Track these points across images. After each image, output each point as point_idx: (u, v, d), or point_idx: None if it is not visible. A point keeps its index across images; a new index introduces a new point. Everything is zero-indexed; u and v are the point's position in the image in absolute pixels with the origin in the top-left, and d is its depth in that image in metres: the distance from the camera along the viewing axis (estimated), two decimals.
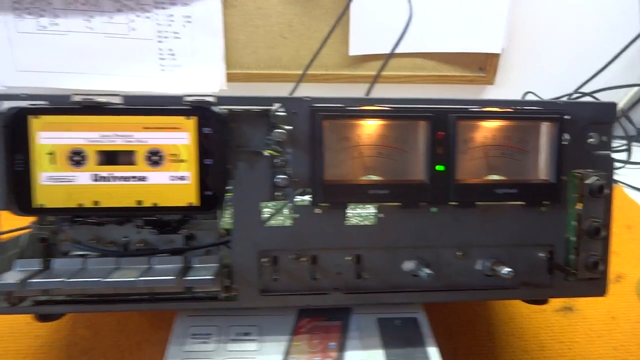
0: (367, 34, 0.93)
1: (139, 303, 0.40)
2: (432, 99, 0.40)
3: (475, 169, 0.42)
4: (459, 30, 0.94)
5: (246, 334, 0.41)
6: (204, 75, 0.92)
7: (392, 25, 0.93)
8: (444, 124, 0.39)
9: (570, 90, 0.99)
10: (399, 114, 0.39)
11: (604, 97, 0.96)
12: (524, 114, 0.41)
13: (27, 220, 0.44)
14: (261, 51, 0.94)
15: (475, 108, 0.40)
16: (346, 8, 0.62)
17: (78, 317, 0.53)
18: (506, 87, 1.03)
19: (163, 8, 0.86)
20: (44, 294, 0.39)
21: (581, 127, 0.42)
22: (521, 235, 0.42)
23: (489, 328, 0.55)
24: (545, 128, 0.42)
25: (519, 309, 0.58)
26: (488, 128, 0.41)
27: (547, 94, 0.96)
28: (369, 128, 0.40)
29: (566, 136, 0.41)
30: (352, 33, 0.91)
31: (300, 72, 0.96)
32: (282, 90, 0.95)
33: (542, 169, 0.42)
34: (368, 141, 0.40)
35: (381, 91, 0.62)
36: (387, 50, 0.96)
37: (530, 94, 0.96)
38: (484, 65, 1.00)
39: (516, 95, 0.99)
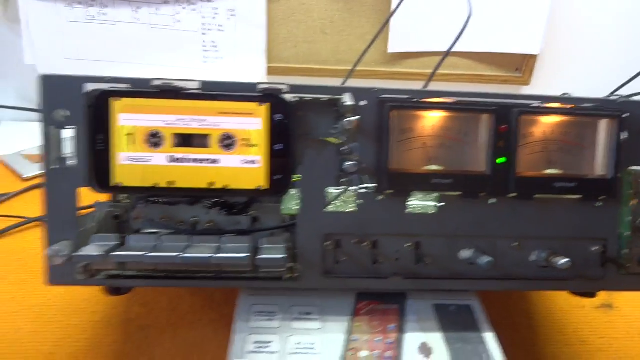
0: (406, 32, 0.94)
1: (206, 280, 0.42)
2: (496, 93, 0.41)
3: (534, 162, 0.43)
4: (497, 30, 0.95)
5: (307, 313, 0.42)
6: (245, 68, 0.94)
7: (431, 23, 0.94)
8: (506, 118, 0.41)
9: (606, 93, 0.99)
10: (464, 107, 0.41)
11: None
12: (584, 111, 0.42)
13: (97, 199, 0.47)
14: (301, 46, 0.95)
15: (536, 103, 0.42)
16: (396, 8, 0.64)
17: (132, 295, 0.55)
18: (542, 88, 1.03)
19: (209, 1, 0.88)
20: (119, 268, 0.41)
21: (639, 125, 0.43)
22: (576, 229, 0.43)
23: (529, 322, 0.56)
24: (603, 125, 0.43)
25: (559, 305, 0.59)
26: (547, 123, 0.43)
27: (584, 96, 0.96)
28: (433, 119, 0.42)
29: (624, 133, 0.42)
30: (391, 31, 0.92)
31: (337, 67, 0.98)
32: (320, 84, 0.97)
33: (599, 164, 0.43)
34: (431, 132, 0.42)
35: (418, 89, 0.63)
36: (424, 49, 0.97)
37: (567, 96, 0.96)
38: (520, 65, 1.01)
39: None
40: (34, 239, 0.67)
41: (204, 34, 0.91)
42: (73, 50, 0.91)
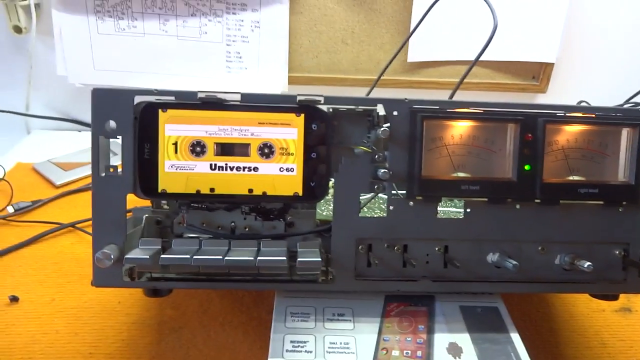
0: (426, 42, 0.96)
1: (244, 282, 0.44)
2: (522, 103, 0.43)
3: (558, 169, 0.44)
4: (514, 39, 0.96)
5: (340, 315, 0.44)
6: (267, 78, 0.96)
7: (450, 33, 0.96)
8: (532, 127, 0.43)
9: (621, 100, 1.00)
10: (492, 117, 0.43)
11: None
12: (607, 120, 0.44)
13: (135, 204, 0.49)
14: (322, 56, 0.98)
15: (561, 113, 0.43)
16: (420, 21, 0.66)
17: (165, 298, 0.57)
18: (558, 96, 1.05)
19: (234, 13, 0.91)
20: (163, 270, 0.44)
21: None
22: (599, 233, 0.45)
23: (551, 325, 0.58)
24: (625, 133, 0.44)
25: (579, 308, 0.60)
26: (571, 132, 0.44)
27: (599, 104, 0.97)
28: (461, 128, 0.44)
29: None
30: (411, 40, 0.94)
31: (357, 77, 1.00)
32: (340, 94, 0.99)
33: (621, 171, 0.45)
34: (459, 141, 0.44)
35: (438, 98, 0.65)
36: (443, 58, 0.99)
37: (583, 104, 0.98)
38: (537, 74, 1.02)
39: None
40: (68, 244, 0.69)
41: (228, 44, 0.93)
42: (103, 61, 0.94)
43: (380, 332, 0.43)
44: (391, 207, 0.43)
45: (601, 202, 0.44)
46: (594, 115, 0.44)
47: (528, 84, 1.02)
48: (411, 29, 0.92)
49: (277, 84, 0.97)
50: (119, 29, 0.91)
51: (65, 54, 0.93)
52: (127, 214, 0.52)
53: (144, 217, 0.46)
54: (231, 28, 0.92)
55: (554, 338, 0.55)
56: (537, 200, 0.44)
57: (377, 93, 1.00)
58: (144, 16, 0.90)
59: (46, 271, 0.63)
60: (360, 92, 0.84)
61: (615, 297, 0.49)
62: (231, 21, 0.91)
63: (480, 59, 1.00)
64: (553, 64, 0.99)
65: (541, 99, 1.05)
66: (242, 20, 0.91)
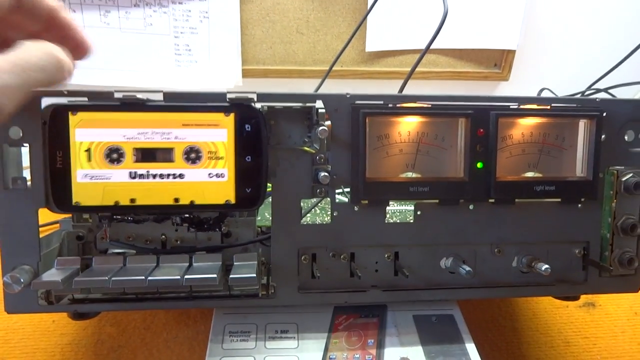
0: (384, 31, 0.93)
1: (177, 301, 0.40)
2: (472, 96, 0.40)
3: (513, 166, 0.42)
4: (474, 27, 0.94)
5: (284, 331, 0.41)
6: (220, 71, 0.92)
7: (409, 21, 0.93)
8: (484, 122, 0.39)
9: (585, 87, 0.99)
10: (441, 111, 0.39)
11: (618, 93, 0.95)
12: (563, 112, 0.41)
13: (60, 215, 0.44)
14: (277, 47, 0.93)
15: (514, 105, 0.40)
16: (369, 10, 0.62)
17: (104, 315, 0.53)
18: (521, 84, 1.03)
19: (180, 3, 0.86)
20: (83, 292, 0.39)
21: (618, 124, 0.42)
22: (557, 232, 0.43)
23: (513, 324, 0.56)
24: (583, 125, 0.42)
25: (543, 305, 0.59)
26: (526, 125, 0.41)
27: (562, 91, 0.96)
28: (408, 125, 0.40)
29: (603, 133, 0.41)
30: (369, 29, 0.91)
31: (315, 67, 0.96)
32: (298, 85, 0.95)
33: (579, 166, 0.42)
34: (407, 138, 0.40)
35: (398, 87, 0.62)
36: (402, 47, 0.96)
37: (546, 91, 0.96)
38: (499, 61, 1.00)
39: (531, 92, 0.99)
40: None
41: (176, 37, 0.88)
42: None
43: (326, 350, 0.39)
44: (335, 213, 0.40)
45: (558, 200, 0.42)
46: (549, 107, 0.41)
47: (490, 72, 1.00)
48: (368, 18, 0.88)
49: (230, 78, 0.92)
50: None
51: None
52: (55, 226, 0.48)
53: (63, 232, 0.41)
54: (178, 19, 0.87)
55: (517, 338, 0.53)
56: (491, 200, 0.41)
57: (335, 84, 0.97)
58: (83, 7, 0.84)
59: None
60: (317, 84, 0.80)
61: (576, 298, 0.47)
62: (178, 11, 0.86)
63: (441, 47, 0.97)
64: (514, 51, 0.98)
65: (504, 86, 1.03)
66: (190, 11, 0.86)
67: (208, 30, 0.88)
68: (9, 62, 0.27)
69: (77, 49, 0.34)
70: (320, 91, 0.39)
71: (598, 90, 1.01)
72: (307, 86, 0.91)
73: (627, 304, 0.59)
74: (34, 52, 0.28)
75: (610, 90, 1.00)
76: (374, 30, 0.92)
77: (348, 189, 0.40)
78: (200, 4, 0.86)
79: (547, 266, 0.40)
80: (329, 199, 0.40)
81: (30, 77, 0.28)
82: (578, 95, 0.97)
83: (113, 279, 0.35)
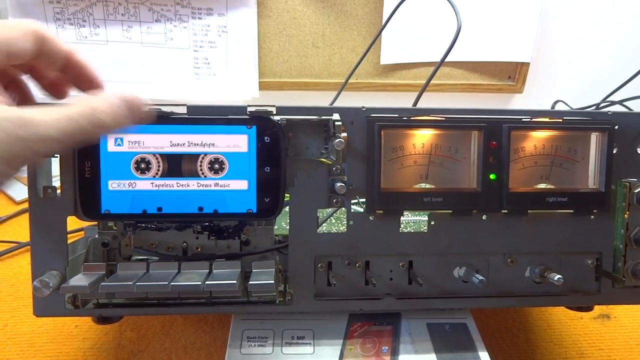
0: (398, 44, 0.94)
1: (197, 306, 0.41)
2: (485, 109, 0.41)
3: (526, 177, 0.42)
4: (488, 39, 0.95)
5: (300, 337, 0.42)
6: (237, 84, 0.94)
7: (423, 34, 0.94)
8: (497, 134, 0.40)
9: (599, 98, 0.99)
10: (454, 124, 0.40)
11: (633, 105, 0.95)
12: (575, 124, 0.42)
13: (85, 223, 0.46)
14: (293, 60, 0.95)
15: (526, 118, 0.41)
16: (386, 23, 0.64)
17: (125, 320, 0.54)
18: (535, 96, 1.03)
19: (200, 18, 0.88)
20: (108, 297, 0.41)
21: (630, 137, 0.42)
22: (570, 243, 0.43)
23: (527, 335, 0.56)
24: (595, 138, 0.42)
25: (557, 316, 0.59)
26: (539, 138, 0.42)
27: (576, 103, 0.96)
28: (423, 137, 0.41)
29: (615, 146, 0.42)
30: (383, 43, 0.92)
31: (330, 80, 0.98)
32: (313, 98, 0.97)
33: (591, 177, 0.43)
34: (421, 150, 0.41)
35: (412, 100, 0.63)
36: (416, 60, 0.97)
37: (560, 103, 0.96)
38: (513, 74, 1.01)
39: (545, 104, 0.99)
40: (26, 264, 0.66)
41: (195, 50, 0.91)
42: None
43: (341, 356, 0.40)
44: (351, 222, 0.41)
45: (571, 211, 0.42)
46: (561, 120, 0.42)
47: (504, 84, 1.01)
48: (382, 31, 0.90)
49: (247, 90, 0.94)
50: (80, 36, 0.88)
51: None
52: (79, 233, 0.49)
53: (89, 239, 0.43)
54: (198, 33, 0.89)
55: (531, 349, 0.54)
56: (503, 211, 0.41)
57: (350, 97, 0.98)
58: (107, 23, 0.87)
59: (0, 294, 0.60)
60: (333, 96, 0.82)
61: (589, 309, 0.47)
62: (197, 26, 0.89)
63: (456, 59, 0.98)
64: (529, 63, 0.98)
65: (518, 98, 1.04)
66: (209, 26, 0.89)
67: (226, 44, 0.91)
68: (63, 113, 0.28)
69: (92, 86, 0.37)
70: (335, 103, 0.41)
71: (613, 103, 1.01)
72: (322, 98, 0.93)
73: None
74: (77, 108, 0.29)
75: (625, 103, 1.00)
76: (389, 43, 0.94)
77: (363, 199, 0.41)
78: (219, 19, 0.89)
79: (559, 276, 0.40)
80: (344, 208, 0.41)
81: (78, 127, 0.29)
82: (592, 108, 0.97)
83: (137, 284, 0.37)
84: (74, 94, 0.37)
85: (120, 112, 0.31)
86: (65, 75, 0.36)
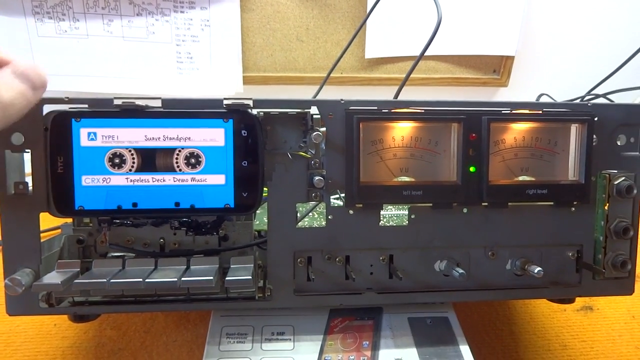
0: (383, 38, 0.94)
1: (175, 303, 0.41)
2: (464, 101, 0.41)
3: (506, 170, 0.42)
4: (473, 33, 0.95)
5: (280, 333, 0.41)
6: (221, 78, 0.93)
7: (408, 28, 0.94)
8: (476, 126, 0.40)
9: (583, 91, 0.99)
10: (433, 116, 0.40)
11: (617, 98, 0.96)
12: (555, 116, 0.41)
13: (62, 220, 0.45)
14: (277, 54, 0.94)
15: (506, 110, 0.41)
16: (369, 14, 0.63)
17: (105, 318, 0.53)
18: (520, 89, 1.03)
19: (182, 12, 0.87)
20: (83, 294, 0.40)
21: (610, 128, 0.42)
22: (550, 235, 0.43)
23: (511, 327, 0.56)
24: (574, 129, 0.42)
25: (540, 309, 0.59)
26: (518, 130, 0.42)
27: (561, 96, 0.96)
28: (402, 130, 0.41)
29: (595, 137, 0.42)
30: (368, 37, 0.92)
31: (314, 74, 0.97)
32: (298, 92, 0.96)
33: (572, 169, 0.43)
34: (401, 143, 0.41)
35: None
36: (401, 54, 0.97)
37: (544, 96, 0.96)
38: (498, 67, 1.01)
39: (530, 97, 0.99)
40: (1, 262, 0.65)
41: (178, 45, 0.89)
42: (45, 65, 0.89)
43: (321, 352, 0.40)
44: (330, 217, 0.40)
45: (551, 203, 0.42)
46: (540, 112, 0.41)
47: (489, 78, 1.01)
48: (367, 25, 0.89)
49: (231, 85, 0.93)
50: (60, 30, 0.86)
51: None
52: (56, 231, 0.48)
53: (63, 236, 0.42)
54: (180, 27, 0.88)
55: (514, 341, 0.54)
56: (484, 204, 0.41)
57: (334, 90, 0.98)
58: (87, 17, 0.85)
59: None
60: (322, 91, 0.81)
61: (571, 301, 0.47)
62: (180, 20, 0.87)
63: (441, 53, 0.98)
64: (513, 57, 0.98)
65: (503, 92, 1.04)
66: (191, 19, 0.87)
67: (209, 38, 0.90)
68: None
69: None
70: (319, 97, 0.40)
71: (597, 96, 1.01)
72: (307, 92, 0.92)
73: (624, 308, 0.59)
74: None
75: (609, 95, 1.00)
76: (374, 37, 0.93)
77: (343, 193, 0.40)
78: (202, 12, 0.88)
79: (539, 269, 0.40)
80: (324, 203, 0.41)
81: None
82: (577, 100, 0.97)
83: (111, 281, 0.36)
84: None
85: (19, 84, 0.30)
86: None
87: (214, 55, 0.91)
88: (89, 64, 0.89)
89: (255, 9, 0.91)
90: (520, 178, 0.42)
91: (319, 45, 0.95)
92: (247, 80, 0.95)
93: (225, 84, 0.93)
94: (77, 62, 0.88)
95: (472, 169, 0.40)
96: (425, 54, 0.89)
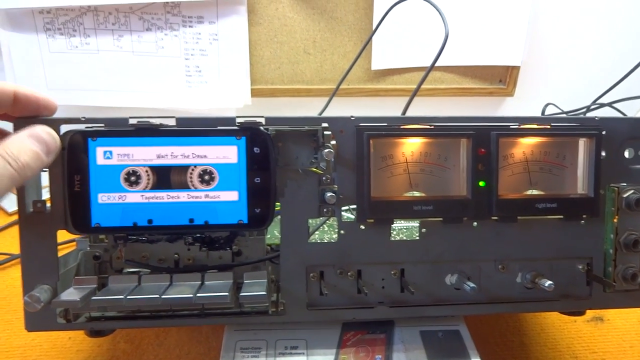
0: (389, 49, 0.95)
1: (189, 318, 0.41)
2: (473, 117, 0.41)
3: (515, 184, 0.43)
4: (479, 43, 0.95)
5: (293, 347, 0.42)
6: (229, 91, 0.94)
7: (414, 39, 0.95)
8: (485, 141, 0.41)
9: (589, 102, 1.00)
10: (443, 132, 0.41)
11: (622, 107, 0.96)
12: (563, 130, 0.42)
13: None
14: (285, 67, 0.95)
15: (514, 125, 0.42)
16: (376, 28, 0.64)
17: (118, 331, 0.54)
18: (526, 99, 1.04)
19: (191, 26, 0.88)
20: (100, 310, 0.41)
21: (618, 142, 0.43)
22: (560, 249, 0.43)
23: (522, 339, 0.56)
24: (582, 143, 0.43)
25: (551, 320, 0.59)
26: (527, 144, 0.43)
27: (567, 105, 0.96)
28: (412, 146, 0.42)
29: (603, 151, 0.42)
30: (374, 48, 0.93)
31: (322, 86, 0.98)
32: (305, 104, 0.97)
33: (580, 183, 0.43)
34: (411, 158, 0.42)
35: (404, 105, 0.63)
36: (408, 65, 0.97)
37: (551, 106, 0.97)
38: (503, 77, 1.01)
39: (536, 107, 1.00)
40: (19, 276, 0.65)
41: (187, 59, 0.91)
42: (56, 80, 0.90)
43: None
44: (342, 232, 0.41)
45: (561, 217, 0.43)
46: (549, 126, 0.42)
47: (495, 88, 1.01)
48: (373, 37, 0.90)
49: (239, 97, 0.94)
50: (71, 46, 0.88)
51: (15, 74, 0.89)
52: (71, 244, 0.49)
53: (80, 252, 0.43)
54: (189, 42, 0.89)
55: (525, 353, 0.54)
56: (494, 218, 0.42)
57: (342, 103, 0.98)
58: (97, 32, 0.87)
59: None
60: (325, 102, 0.82)
61: (582, 313, 0.47)
62: (188, 34, 0.89)
63: (446, 64, 0.99)
64: (519, 67, 0.99)
65: (509, 102, 1.05)
66: (200, 33, 0.89)
67: (218, 52, 0.91)
68: None
69: (47, 109, 0.39)
70: (327, 109, 0.41)
71: (602, 105, 1.02)
72: (314, 104, 0.93)
73: (635, 318, 0.59)
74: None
75: (614, 105, 1.01)
76: (380, 49, 0.94)
77: (354, 206, 0.41)
78: (210, 27, 0.89)
79: (550, 282, 0.40)
80: (335, 218, 0.41)
81: (2, 183, 0.31)
82: (583, 110, 0.98)
83: (128, 297, 0.37)
84: None
85: (35, 147, 0.34)
86: (18, 107, 0.37)
87: (222, 68, 0.92)
88: (100, 79, 0.90)
89: (263, 22, 0.92)
90: (530, 192, 0.43)
91: (325, 57, 0.96)
92: (254, 93, 0.96)
93: (234, 96, 0.94)
94: (88, 76, 0.90)
95: (481, 183, 0.41)
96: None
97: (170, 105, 0.93)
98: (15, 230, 0.77)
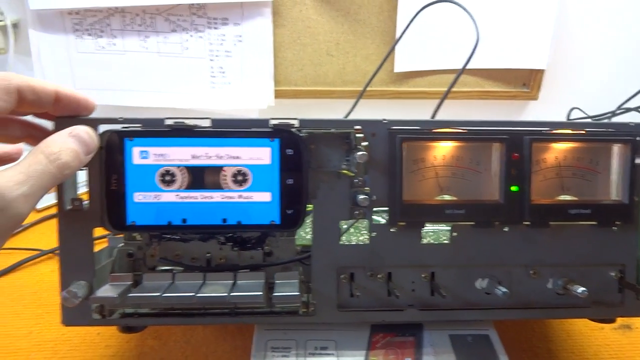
0: (412, 52, 0.94)
1: (221, 316, 0.42)
2: (506, 121, 0.41)
3: (548, 189, 0.42)
4: (503, 46, 0.95)
5: (323, 348, 0.42)
6: (253, 92, 0.94)
7: (436, 42, 0.94)
8: (518, 146, 0.41)
9: (615, 107, 0.98)
10: (476, 136, 0.41)
11: None
12: (597, 136, 0.42)
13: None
14: (308, 68, 0.96)
15: (547, 129, 0.41)
16: (403, 32, 0.64)
17: (147, 328, 0.55)
18: (550, 103, 1.03)
19: (215, 28, 0.89)
20: (134, 307, 0.42)
21: None
22: (592, 255, 0.43)
23: (548, 345, 0.55)
24: (617, 149, 0.42)
25: (577, 327, 0.58)
26: (560, 149, 0.42)
27: (592, 110, 0.95)
28: (444, 149, 0.42)
29: (638, 157, 0.42)
30: (397, 50, 0.93)
31: (344, 88, 0.99)
32: (328, 105, 0.97)
33: (614, 189, 0.43)
34: (443, 162, 0.42)
35: (426, 107, 0.63)
36: (431, 67, 0.97)
37: (576, 110, 0.96)
38: (527, 81, 1.00)
39: (561, 111, 0.99)
40: (49, 272, 0.67)
41: (211, 60, 0.92)
42: (83, 80, 0.92)
43: None
44: (373, 234, 0.41)
45: (594, 223, 0.42)
46: (583, 132, 0.42)
47: (519, 92, 1.01)
48: (396, 38, 0.90)
49: (262, 98, 0.95)
50: (98, 47, 0.89)
51: (44, 73, 0.91)
52: (102, 240, 0.50)
53: (115, 250, 0.44)
54: (213, 43, 0.90)
55: None
56: (526, 223, 0.42)
57: (364, 105, 0.98)
58: (124, 33, 0.88)
59: (24, 302, 0.61)
60: (347, 104, 0.82)
61: (612, 320, 0.47)
62: (213, 36, 0.89)
63: (470, 67, 0.98)
64: (543, 70, 0.98)
65: (533, 105, 1.04)
66: (224, 35, 0.90)
67: (242, 53, 0.92)
68: (22, 173, 0.30)
69: (86, 109, 0.40)
70: (352, 112, 0.41)
71: (629, 110, 1.00)
72: (336, 106, 0.93)
73: None
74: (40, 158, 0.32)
75: None
76: (403, 51, 0.94)
77: (384, 207, 0.41)
78: (235, 28, 0.90)
79: (583, 289, 0.40)
80: (365, 220, 0.41)
81: (44, 181, 0.31)
82: (608, 115, 0.96)
83: (164, 295, 0.37)
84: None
85: (75, 146, 0.34)
86: (58, 106, 0.38)
87: (246, 69, 0.93)
88: (126, 79, 0.92)
89: (287, 24, 0.92)
90: (562, 197, 0.43)
91: (348, 59, 0.96)
92: (278, 94, 0.96)
93: (257, 97, 0.95)
94: (114, 76, 0.91)
95: (514, 188, 0.41)
96: (453, 68, 0.89)
97: (194, 106, 0.94)
98: (44, 227, 0.78)
